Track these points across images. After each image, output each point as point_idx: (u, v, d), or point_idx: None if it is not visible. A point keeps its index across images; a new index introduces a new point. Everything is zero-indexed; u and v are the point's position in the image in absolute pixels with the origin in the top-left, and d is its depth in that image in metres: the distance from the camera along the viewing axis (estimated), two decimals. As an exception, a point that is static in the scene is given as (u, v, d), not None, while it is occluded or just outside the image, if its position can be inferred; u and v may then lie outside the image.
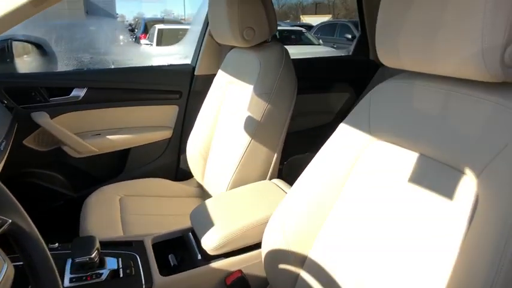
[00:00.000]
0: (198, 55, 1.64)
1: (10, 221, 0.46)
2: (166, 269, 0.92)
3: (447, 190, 0.61)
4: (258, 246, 0.95)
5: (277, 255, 0.86)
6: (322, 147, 0.86)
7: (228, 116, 1.36)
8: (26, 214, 0.50)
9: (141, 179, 1.52)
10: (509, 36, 0.51)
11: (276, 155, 1.20)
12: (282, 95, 1.16)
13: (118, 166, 1.63)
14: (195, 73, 1.64)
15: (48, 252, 0.51)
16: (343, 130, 0.83)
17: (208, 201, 1.06)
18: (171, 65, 1.70)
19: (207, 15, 1.59)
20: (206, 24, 1.60)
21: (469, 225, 0.57)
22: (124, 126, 1.61)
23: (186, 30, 4.22)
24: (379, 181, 0.74)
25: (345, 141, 0.82)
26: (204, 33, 1.61)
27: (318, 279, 0.81)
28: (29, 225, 0.49)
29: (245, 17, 1.16)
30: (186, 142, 1.57)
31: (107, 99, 1.55)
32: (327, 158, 0.83)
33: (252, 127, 1.15)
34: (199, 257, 0.95)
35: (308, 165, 0.87)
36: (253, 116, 1.15)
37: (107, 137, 1.55)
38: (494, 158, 0.55)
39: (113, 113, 1.57)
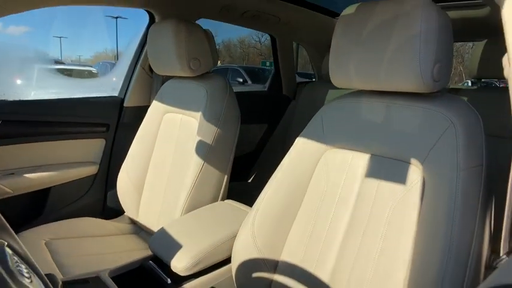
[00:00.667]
0: (128, 87, 1.62)
1: None
2: None
3: (399, 178, 0.77)
4: (227, 261, 0.97)
5: (249, 265, 0.89)
6: (282, 160, 0.96)
7: (169, 144, 1.37)
8: None
9: (65, 220, 1.37)
10: (436, 59, 0.71)
11: (226, 177, 1.25)
12: (229, 120, 1.24)
13: (37, 208, 1.44)
14: (125, 105, 1.61)
15: None
16: (300, 143, 0.95)
17: (167, 226, 1.04)
18: (97, 97, 1.63)
19: (137, 49, 1.61)
20: (137, 56, 1.60)
21: (420, 203, 0.72)
22: (43, 163, 1.45)
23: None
24: (338, 181, 0.86)
25: (303, 152, 0.93)
26: (135, 66, 1.61)
27: (292, 279, 0.87)
28: None
29: (192, 48, 1.24)
30: (114, 177, 1.50)
31: (23, 134, 1.39)
32: (288, 168, 0.93)
33: (204, 151, 1.19)
34: (169, 281, 0.92)
35: (271, 177, 0.95)
36: (204, 140, 1.19)
37: (24, 175, 1.37)
38: (431, 149, 0.72)
39: (29, 149, 1.41)
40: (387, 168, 0.79)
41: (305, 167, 0.91)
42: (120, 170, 1.46)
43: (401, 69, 0.73)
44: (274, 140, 2.25)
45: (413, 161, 0.75)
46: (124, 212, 1.51)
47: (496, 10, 0.59)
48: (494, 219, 0.71)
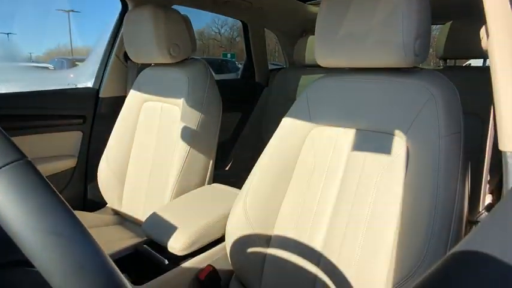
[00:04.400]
0: (102, 77, 1.59)
1: None
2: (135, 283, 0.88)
3: (385, 149, 0.83)
4: (222, 239, 1.00)
5: (243, 241, 0.93)
6: (271, 139, 1.00)
7: (150, 133, 1.37)
8: None
9: None
10: (417, 34, 0.77)
11: (211, 162, 1.27)
12: (211, 104, 1.26)
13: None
14: (100, 95, 1.58)
15: None
16: (287, 122, 0.99)
17: (159, 210, 1.05)
18: (71, 89, 1.58)
19: (110, 37, 1.57)
20: (110, 46, 1.57)
21: (406, 170, 0.79)
22: (18, 158, 1.40)
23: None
24: (325, 156, 0.92)
25: (289, 131, 0.98)
26: (109, 55, 1.58)
27: (286, 251, 0.92)
28: None
29: (171, 34, 1.24)
30: (93, 170, 1.48)
31: None
32: (276, 147, 0.98)
33: (189, 136, 1.20)
34: (166, 262, 0.94)
35: (261, 155, 0.99)
36: (189, 126, 1.21)
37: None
38: (414, 120, 0.79)
39: (3, 144, 1.36)
40: (372, 141, 0.85)
41: (292, 145, 0.96)
42: (100, 161, 1.44)
43: (385, 46, 0.79)
44: (249, 127, 2.29)
45: (397, 132, 0.81)
46: (106, 203, 1.50)
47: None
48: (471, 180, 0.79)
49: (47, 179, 0.28)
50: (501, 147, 0.56)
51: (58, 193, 0.29)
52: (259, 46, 2.20)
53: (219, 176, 1.39)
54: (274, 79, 2.24)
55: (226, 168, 2.31)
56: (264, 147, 0.99)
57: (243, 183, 0.98)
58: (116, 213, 1.48)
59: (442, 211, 0.70)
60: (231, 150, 2.32)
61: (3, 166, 0.26)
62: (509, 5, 0.60)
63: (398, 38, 0.76)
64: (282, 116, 1.00)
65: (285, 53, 2.40)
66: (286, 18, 2.08)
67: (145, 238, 1.06)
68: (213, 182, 1.32)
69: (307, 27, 2.17)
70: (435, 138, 0.75)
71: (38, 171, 0.28)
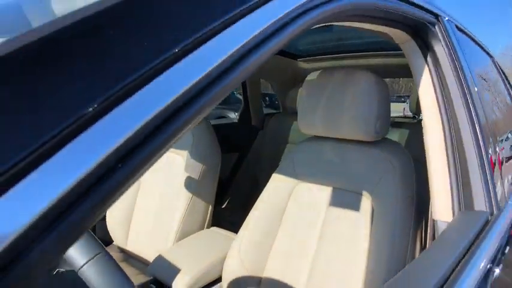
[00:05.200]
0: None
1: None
2: None
3: (354, 206, 1.01)
4: (219, 280, 1.16)
5: (238, 281, 1.09)
6: (262, 193, 1.17)
7: (157, 178, 1.54)
8: None
9: None
10: (377, 117, 0.97)
11: (211, 206, 1.44)
12: (213, 156, 1.44)
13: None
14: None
15: None
16: (276, 178, 1.17)
17: (164, 253, 1.21)
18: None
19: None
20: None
21: (371, 225, 0.96)
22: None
23: None
24: (307, 209, 1.10)
25: (278, 186, 1.16)
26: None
27: None
28: None
29: None
30: None
31: None
32: (268, 198, 1.15)
33: (192, 186, 1.38)
34: None
35: (254, 205, 1.16)
36: (192, 176, 1.38)
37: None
38: (377, 183, 0.98)
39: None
40: (345, 198, 1.03)
41: (280, 199, 1.14)
42: None
43: (353, 125, 0.98)
44: (246, 166, 2.47)
45: (364, 193, 1.00)
46: (113, 241, 1.64)
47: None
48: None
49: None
50: (434, 216, 0.74)
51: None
52: (255, 93, 2.42)
53: (218, 214, 1.55)
54: (269, 123, 2.45)
55: (223, 206, 2.47)
56: (258, 185, 1.16)
57: (239, 219, 1.14)
58: (122, 251, 1.62)
59: (397, 259, 0.87)
60: (229, 188, 2.48)
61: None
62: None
63: (362, 121, 0.96)
64: (275, 156, 1.19)
65: (280, 100, 2.62)
66: (279, 71, 2.31)
67: (151, 278, 1.20)
68: (212, 219, 1.47)
69: (298, 79, 2.40)
70: (393, 201, 0.93)
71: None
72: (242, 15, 0.41)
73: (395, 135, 1.87)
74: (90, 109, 0.28)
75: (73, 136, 0.27)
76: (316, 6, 0.50)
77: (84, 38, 0.30)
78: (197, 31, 0.36)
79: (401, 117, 5.90)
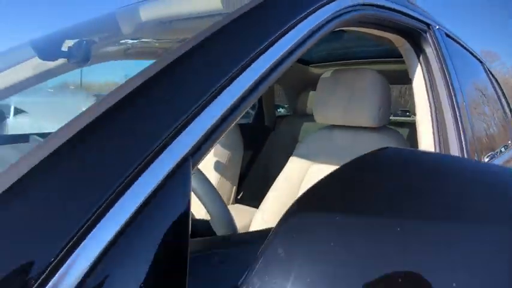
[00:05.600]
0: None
1: None
2: None
3: None
4: None
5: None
6: (282, 171, 1.38)
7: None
8: None
9: None
10: (380, 106, 1.18)
11: (235, 187, 1.66)
12: (237, 145, 1.67)
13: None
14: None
15: None
16: (294, 160, 1.38)
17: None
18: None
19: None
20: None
21: None
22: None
23: None
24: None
25: (294, 167, 1.37)
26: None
27: None
28: None
29: None
30: None
31: None
32: (285, 179, 1.36)
33: (220, 168, 1.60)
34: None
35: (272, 187, 1.37)
36: (220, 160, 1.61)
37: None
38: None
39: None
40: None
41: (297, 177, 1.35)
42: None
43: (360, 112, 1.21)
44: (258, 163, 2.68)
45: None
46: None
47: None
48: None
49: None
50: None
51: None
52: (269, 96, 2.65)
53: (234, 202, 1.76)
54: (280, 124, 2.67)
55: (239, 197, 2.68)
56: (270, 181, 1.37)
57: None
58: None
59: None
60: (241, 182, 2.69)
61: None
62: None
63: (367, 108, 1.18)
64: (286, 154, 1.40)
65: (289, 102, 2.85)
66: (292, 77, 2.55)
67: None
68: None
69: (309, 84, 2.64)
70: None
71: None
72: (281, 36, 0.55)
73: None
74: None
75: None
76: (331, 20, 0.67)
77: None
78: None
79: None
